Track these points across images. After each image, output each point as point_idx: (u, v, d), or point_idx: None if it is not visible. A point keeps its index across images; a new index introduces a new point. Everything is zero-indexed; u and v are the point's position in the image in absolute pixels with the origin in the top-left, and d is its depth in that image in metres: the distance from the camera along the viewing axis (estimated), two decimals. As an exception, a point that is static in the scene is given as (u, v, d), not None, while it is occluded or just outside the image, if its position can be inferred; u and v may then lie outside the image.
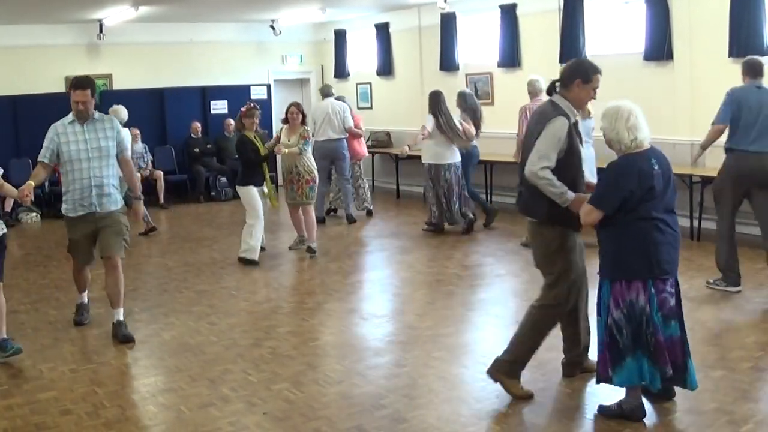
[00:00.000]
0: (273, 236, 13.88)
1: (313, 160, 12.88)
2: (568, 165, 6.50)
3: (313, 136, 13.89)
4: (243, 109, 12.57)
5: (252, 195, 12.20)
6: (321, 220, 15.18)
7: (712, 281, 9.83)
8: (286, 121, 12.87)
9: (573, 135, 6.50)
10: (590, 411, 6.44)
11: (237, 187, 12.60)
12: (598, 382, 6.42)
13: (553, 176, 6.38)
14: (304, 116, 12.85)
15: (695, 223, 12.78)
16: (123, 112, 14.34)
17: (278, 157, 13.50)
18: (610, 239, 6.26)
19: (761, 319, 8.76)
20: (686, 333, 6.29)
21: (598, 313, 6.35)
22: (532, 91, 12.86)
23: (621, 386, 6.30)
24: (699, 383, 6.60)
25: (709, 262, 10.87)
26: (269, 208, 13.20)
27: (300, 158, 12.57)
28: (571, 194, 6.39)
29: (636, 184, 6.00)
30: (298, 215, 12.92)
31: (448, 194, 13.72)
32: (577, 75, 6.60)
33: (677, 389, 6.50)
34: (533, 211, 6.76)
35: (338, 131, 15.38)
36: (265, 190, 12.47)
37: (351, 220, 15.53)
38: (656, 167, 6.06)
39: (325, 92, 15.76)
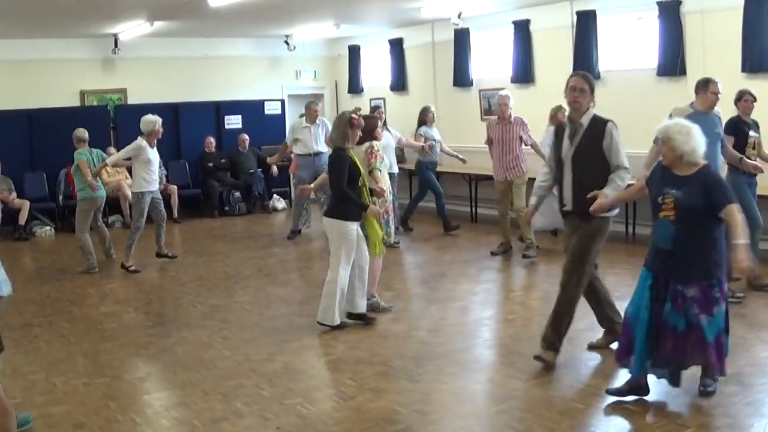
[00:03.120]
0: (284, 250, 13.85)
1: (389, 182, 10.40)
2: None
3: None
4: (354, 116, 9.33)
5: (350, 238, 9.26)
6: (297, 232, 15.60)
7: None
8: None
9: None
10: (602, 428, 6.44)
11: (329, 219, 9.40)
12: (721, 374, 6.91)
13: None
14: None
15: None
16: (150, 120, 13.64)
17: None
18: (720, 241, 6.74)
19: (775, 335, 8.75)
20: None
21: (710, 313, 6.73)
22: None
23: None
24: (711, 399, 6.87)
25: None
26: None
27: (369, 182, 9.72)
28: None
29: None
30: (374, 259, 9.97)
31: None
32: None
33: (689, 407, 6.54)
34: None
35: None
36: (377, 230, 9.63)
37: None
38: None
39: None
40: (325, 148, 15.32)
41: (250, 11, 15.25)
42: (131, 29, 17.46)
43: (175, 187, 18.32)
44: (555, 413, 6.71)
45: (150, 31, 17.33)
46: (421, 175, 15.93)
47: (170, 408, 7.21)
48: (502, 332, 9.29)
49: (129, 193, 17.15)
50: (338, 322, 9.37)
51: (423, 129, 15.92)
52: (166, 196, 17.89)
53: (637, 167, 13.87)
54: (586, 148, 7.63)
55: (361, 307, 9.66)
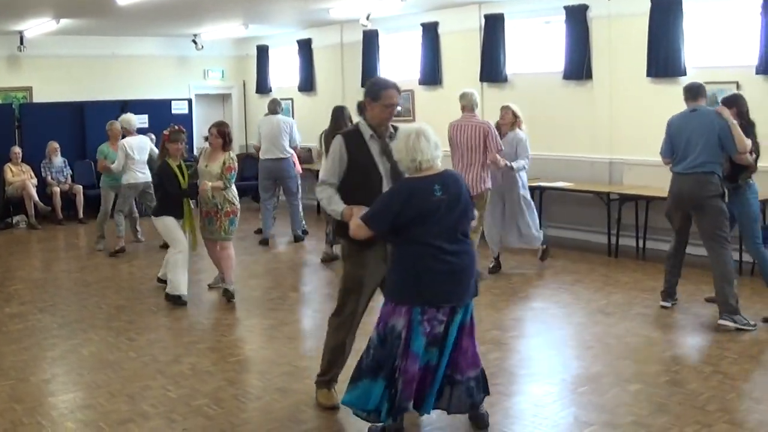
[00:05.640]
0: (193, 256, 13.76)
1: (235, 191, 11.12)
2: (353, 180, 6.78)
3: (258, 157, 14.84)
4: (165, 132, 11.02)
5: (169, 225, 10.87)
6: (266, 242, 14.99)
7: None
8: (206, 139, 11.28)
9: (355, 150, 6.77)
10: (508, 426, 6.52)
11: (153, 218, 11.20)
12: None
13: (330, 193, 6.76)
14: (227, 140, 10.94)
15: (612, 239, 12.93)
16: (133, 120, 14.68)
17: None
18: (392, 261, 6.34)
19: (678, 334, 8.93)
20: (446, 361, 6.29)
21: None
22: (467, 105, 11.68)
23: (346, 405, 6.44)
24: (616, 397, 6.92)
25: (626, 278, 11.11)
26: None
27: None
28: (341, 207, 6.65)
29: (402, 206, 6.03)
30: (216, 251, 11.28)
31: None
32: (367, 95, 6.86)
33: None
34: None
35: (284, 150, 14.96)
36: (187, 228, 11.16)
37: (298, 239, 15.00)
38: (439, 193, 6.05)
39: (272, 108, 15.52)
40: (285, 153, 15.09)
41: (158, 10, 15.16)
42: (37, 26, 17.24)
43: (81, 186, 18.03)
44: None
45: (56, 28, 17.15)
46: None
47: (76, 410, 7.14)
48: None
49: (33, 193, 17.03)
50: (178, 293, 10.73)
51: None
52: (71, 195, 17.73)
53: (541, 170, 14.13)
54: (395, 162, 6.67)
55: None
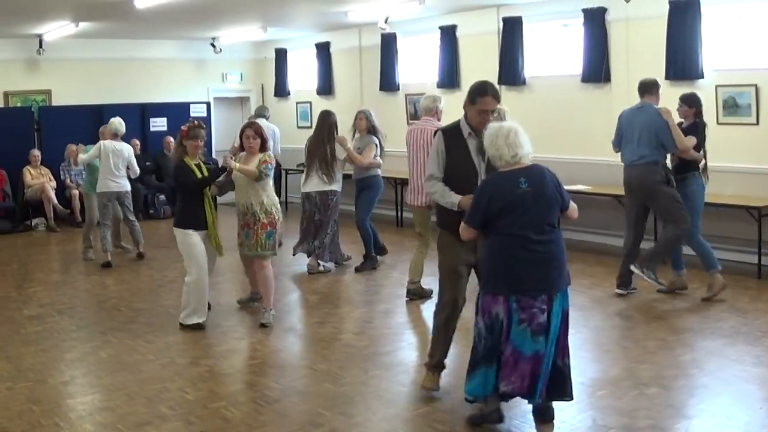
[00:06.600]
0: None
1: (275, 199, 10.14)
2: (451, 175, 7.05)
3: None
4: (184, 128, 9.82)
5: (190, 243, 9.69)
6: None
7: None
8: (242, 147, 10.14)
9: (453, 146, 7.12)
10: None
11: (174, 228, 9.95)
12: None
13: (441, 186, 7.04)
14: (264, 141, 9.99)
15: (631, 243, 12.88)
16: (116, 123, 14.25)
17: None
18: (485, 253, 6.53)
19: (696, 338, 8.89)
20: (553, 349, 6.42)
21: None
22: (424, 108, 11.65)
23: (469, 395, 6.60)
24: (634, 401, 6.91)
25: (643, 281, 11.07)
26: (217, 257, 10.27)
27: (258, 192, 9.81)
28: (456, 197, 6.87)
29: (490, 198, 6.30)
30: (253, 269, 10.32)
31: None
32: (467, 96, 7.23)
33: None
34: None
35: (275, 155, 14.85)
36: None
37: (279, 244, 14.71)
38: (524, 185, 6.27)
39: (260, 113, 15.38)
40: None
41: (177, 13, 15.18)
42: (56, 30, 17.31)
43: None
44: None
45: (75, 32, 17.20)
46: None
47: (94, 412, 7.16)
48: (425, 335, 9.32)
49: (52, 196, 17.10)
50: (190, 323, 9.71)
51: None
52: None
53: (559, 174, 14.09)
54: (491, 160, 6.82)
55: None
